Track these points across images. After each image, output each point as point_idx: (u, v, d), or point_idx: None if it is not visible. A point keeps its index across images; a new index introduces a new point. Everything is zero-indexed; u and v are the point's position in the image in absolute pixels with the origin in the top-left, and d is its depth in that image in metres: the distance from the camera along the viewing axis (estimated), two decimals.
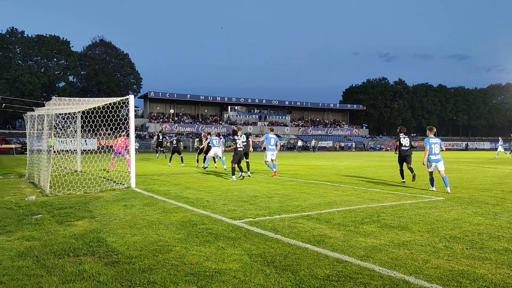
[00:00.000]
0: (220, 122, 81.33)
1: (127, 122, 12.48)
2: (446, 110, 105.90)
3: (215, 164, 21.30)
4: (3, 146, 43.69)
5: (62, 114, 16.22)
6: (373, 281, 4.16)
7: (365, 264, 4.70)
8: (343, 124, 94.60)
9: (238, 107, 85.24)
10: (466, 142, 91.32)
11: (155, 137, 22.00)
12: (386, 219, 7.31)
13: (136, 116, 73.97)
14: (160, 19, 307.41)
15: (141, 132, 69.84)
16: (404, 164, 13.62)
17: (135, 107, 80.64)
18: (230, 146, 14.99)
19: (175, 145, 22.59)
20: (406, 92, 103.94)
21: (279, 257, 4.98)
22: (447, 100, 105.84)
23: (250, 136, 17.44)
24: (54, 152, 12.07)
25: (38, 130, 14.78)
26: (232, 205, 8.87)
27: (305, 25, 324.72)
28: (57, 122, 14.68)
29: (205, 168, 19.34)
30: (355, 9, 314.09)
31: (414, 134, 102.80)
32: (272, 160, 16.06)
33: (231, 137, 15.43)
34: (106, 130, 13.50)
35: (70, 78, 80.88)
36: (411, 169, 13.22)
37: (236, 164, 14.53)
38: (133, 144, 12.50)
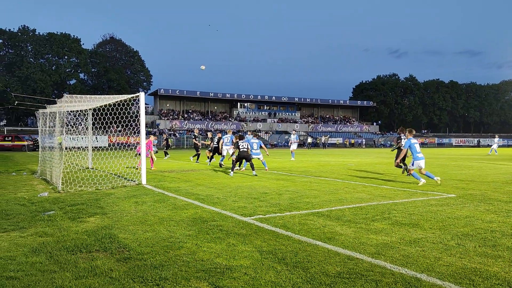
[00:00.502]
0: (230, 119, 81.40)
1: (138, 119, 12.54)
2: (458, 107, 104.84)
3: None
4: (16, 143, 44.18)
5: (73, 111, 16.36)
6: (385, 279, 4.14)
7: (377, 262, 4.68)
8: (353, 121, 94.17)
9: (248, 103, 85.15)
10: (478, 139, 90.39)
11: (163, 142, 22.65)
12: (397, 216, 7.28)
13: (146, 113, 74.45)
14: (170, 16, 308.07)
15: (152, 129, 70.16)
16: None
17: (146, 104, 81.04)
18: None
19: (216, 145, 21.68)
20: (417, 88, 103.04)
21: (290, 254, 4.98)
22: (458, 96, 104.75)
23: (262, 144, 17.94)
24: (62, 149, 12.17)
25: (50, 127, 14.92)
26: (243, 202, 8.88)
27: (316, 22, 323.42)
28: (69, 119, 14.81)
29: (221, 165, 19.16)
30: (365, 5, 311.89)
31: (425, 131, 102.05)
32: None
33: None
34: (117, 127, 13.57)
35: (81, 75, 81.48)
36: (406, 165, 14.26)
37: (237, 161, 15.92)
38: (143, 141, 12.55)
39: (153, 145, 20.92)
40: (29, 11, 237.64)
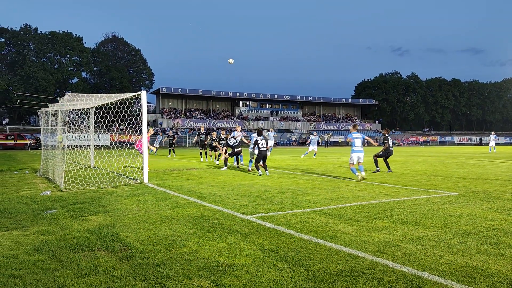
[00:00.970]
0: (232, 118, 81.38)
1: (140, 118, 12.56)
2: (460, 105, 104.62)
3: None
4: (18, 142, 44.28)
5: (75, 110, 16.38)
6: (386, 277, 4.14)
7: (378, 260, 4.68)
8: (355, 119, 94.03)
9: (250, 102, 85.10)
10: (480, 137, 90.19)
11: (166, 138, 21.84)
12: (399, 214, 7.27)
13: (148, 111, 74.45)
14: (172, 14, 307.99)
15: (154, 128, 70.23)
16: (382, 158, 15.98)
17: (147, 102, 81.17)
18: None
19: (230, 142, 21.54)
20: (419, 86, 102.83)
21: (292, 252, 4.98)
22: (461, 94, 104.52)
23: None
24: (63, 147, 12.20)
25: (52, 126, 14.94)
26: (245, 200, 8.89)
27: (318, 20, 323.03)
28: (71, 118, 14.83)
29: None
30: (367, 3, 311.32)
31: (427, 129, 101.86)
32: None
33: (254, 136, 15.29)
34: (119, 125, 13.58)
35: (83, 74, 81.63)
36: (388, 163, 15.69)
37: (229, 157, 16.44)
38: (145, 140, 12.56)
39: (158, 142, 20.69)
40: (31, 10, 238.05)
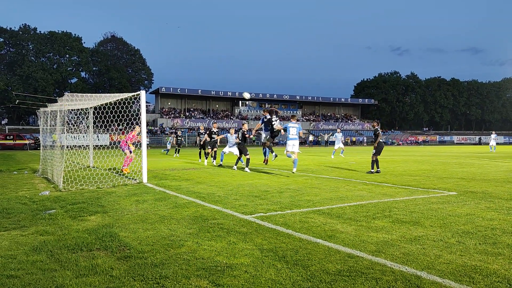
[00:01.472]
0: (231, 117, 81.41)
1: (139, 118, 12.55)
2: (459, 104, 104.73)
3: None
4: (17, 142, 44.26)
5: (74, 110, 16.36)
6: (385, 276, 4.14)
7: (377, 259, 4.68)
8: (355, 119, 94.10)
9: (249, 102, 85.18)
10: (479, 137, 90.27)
11: (173, 138, 20.87)
12: (398, 214, 7.27)
13: (147, 111, 74.57)
14: (171, 14, 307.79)
15: (153, 128, 70.23)
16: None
17: (147, 102, 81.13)
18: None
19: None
20: (419, 86, 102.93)
21: (290, 252, 4.98)
22: (460, 94, 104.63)
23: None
24: (57, 147, 12.17)
25: (51, 126, 14.93)
26: (244, 200, 8.89)
27: (317, 20, 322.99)
28: (70, 118, 14.80)
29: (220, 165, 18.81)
30: (367, 3, 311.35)
31: (426, 129, 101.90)
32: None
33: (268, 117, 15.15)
34: (118, 125, 13.57)
35: (82, 74, 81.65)
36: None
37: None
38: (144, 140, 12.56)
39: (171, 142, 19.52)
40: (30, 10, 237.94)
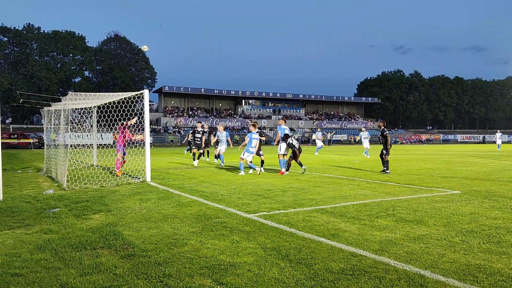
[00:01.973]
0: (234, 116, 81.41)
1: (142, 116, 12.57)
2: (463, 103, 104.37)
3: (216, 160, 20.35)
4: (21, 141, 44.41)
5: (78, 109, 16.39)
6: (388, 275, 4.14)
7: (380, 258, 4.67)
8: (358, 117, 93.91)
9: (252, 100, 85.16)
10: (483, 135, 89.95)
11: (190, 135, 19.63)
12: (402, 213, 7.26)
13: (151, 110, 74.56)
14: (174, 13, 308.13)
15: (156, 126, 70.31)
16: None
17: (150, 101, 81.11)
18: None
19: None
20: (422, 84, 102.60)
21: (294, 250, 4.98)
22: (464, 92, 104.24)
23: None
24: (56, 145, 12.15)
25: (55, 125, 14.97)
26: (247, 198, 8.89)
27: (319, 19, 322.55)
28: (74, 116, 14.84)
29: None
30: (369, 2, 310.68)
31: (430, 128, 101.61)
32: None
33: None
34: (122, 124, 13.59)
35: (86, 73, 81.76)
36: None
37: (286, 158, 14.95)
38: (147, 139, 12.57)
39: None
40: (34, 10, 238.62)
